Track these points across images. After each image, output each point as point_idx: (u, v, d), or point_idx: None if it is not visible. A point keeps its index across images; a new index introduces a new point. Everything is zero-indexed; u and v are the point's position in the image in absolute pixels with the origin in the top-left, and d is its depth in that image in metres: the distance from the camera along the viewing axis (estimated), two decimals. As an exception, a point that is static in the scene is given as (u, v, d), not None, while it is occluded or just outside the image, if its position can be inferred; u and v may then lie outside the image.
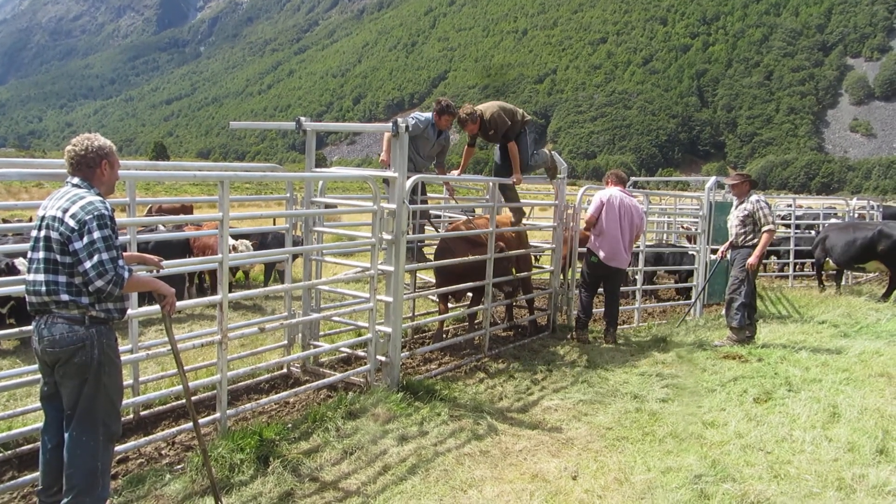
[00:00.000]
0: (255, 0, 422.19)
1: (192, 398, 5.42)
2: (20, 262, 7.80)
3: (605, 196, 7.87)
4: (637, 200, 8.32)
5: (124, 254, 3.75)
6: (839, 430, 5.17)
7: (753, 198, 8.20)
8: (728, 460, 4.64)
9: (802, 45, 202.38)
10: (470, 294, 7.90)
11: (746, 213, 8.14)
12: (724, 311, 8.55)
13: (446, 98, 7.33)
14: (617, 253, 7.77)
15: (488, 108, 7.46)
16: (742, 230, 8.18)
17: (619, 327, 9.02)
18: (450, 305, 7.72)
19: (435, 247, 7.83)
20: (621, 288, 8.40)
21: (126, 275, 3.28)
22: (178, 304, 3.78)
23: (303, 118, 6.18)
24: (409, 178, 5.86)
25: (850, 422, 5.36)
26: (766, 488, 4.19)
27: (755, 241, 8.08)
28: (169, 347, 3.85)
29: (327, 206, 6.51)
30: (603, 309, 8.37)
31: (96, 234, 3.19)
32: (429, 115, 7.23)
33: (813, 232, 15.73)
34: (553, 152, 8.43)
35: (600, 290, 8.22)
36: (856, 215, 15.94)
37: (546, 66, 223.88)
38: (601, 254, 7.80)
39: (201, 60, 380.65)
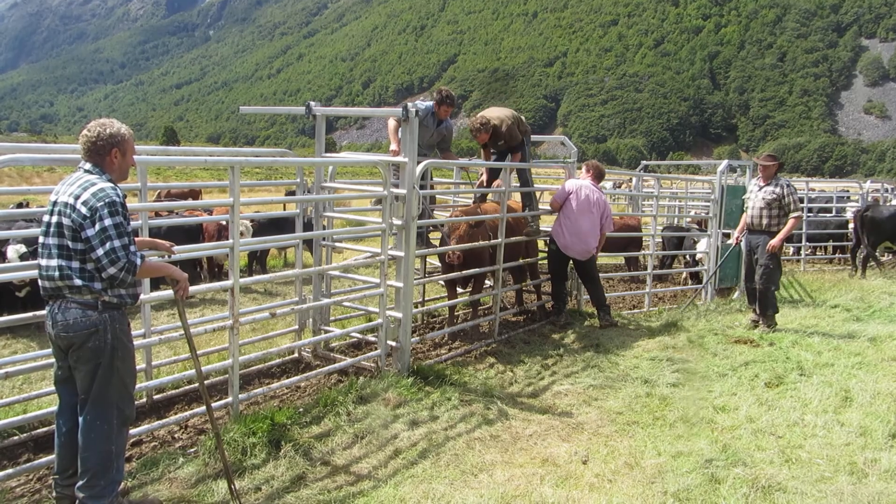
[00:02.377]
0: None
1: (205, 382, 5.47)
2: (12, 250, 7.80)
3: (574, 186, 7.78)
4: (648, 186, 8.25)
5: (136, 239, 3.77)
6: (851, 415, 5.15)
7: (783, 181, 7.96)
8: (739, 445, 4.63)
9: (816, 25, 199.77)
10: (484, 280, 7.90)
11: (775, 196, 7.88)
12: (754, 301, 8.32)
13: (447, 88, 7.29)
14: (574, 244, 7.71)
15: (502, 118, 7.35)
16: (768, 213, 7.94)
17: (630, 311, 9.01)
18: (459, 291, 7.71)
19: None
20: (630, 272, 8.34)
21: (138, 261, 3.29)
22: (191, 288, 3.80)
23: (312, 102, 6.15)
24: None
25: (863, 406, 5.33)
26: (778, 473, 4.18)
27: (780, 226, 7.94)
28: (182, 332, 3.87)
29: (337, 191, 6.50)
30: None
31: (108, 222, 3.20)
32: (429, 103, 7.18)
33: (828, 216, 15.64)
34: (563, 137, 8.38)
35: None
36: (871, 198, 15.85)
37: (556, 49, 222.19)
38: (559, 242, 7.78)
39: (211, 44, 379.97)
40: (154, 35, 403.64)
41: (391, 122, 6.77)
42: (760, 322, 8.08)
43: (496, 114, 7.42)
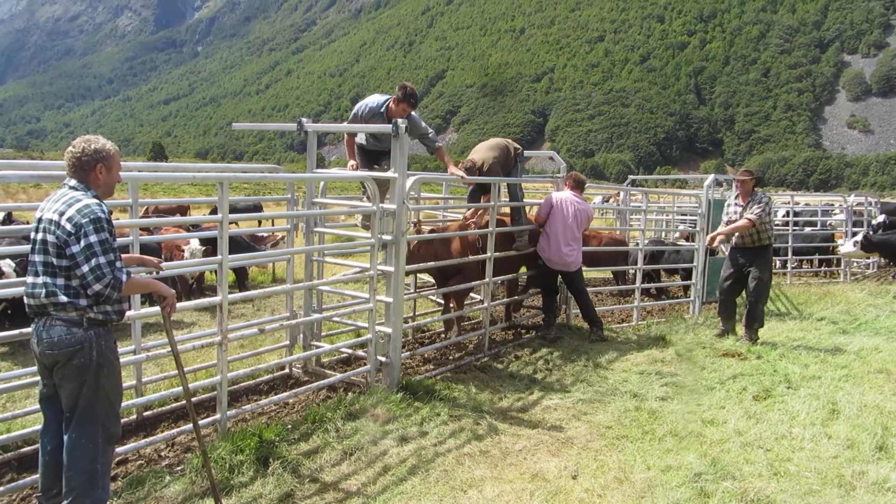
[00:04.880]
0: (252, 0, 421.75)
1: (192, 399, 5.43)
2: (5, 264, 7.73)
3: (557, 198, 7.79)
4: (635, 201, 8.29)
5: (124, 256, 3.75)
6: (839, 427, 5.18)
7: (759, 196, 8.04)
8: (728, 458, 4.64)
9: (799, 41, 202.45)
10: (474, 295, 7.89)
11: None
12: (725, 311, 8.44)
13: (411, 85, 6.54)
14: (560, 257, 7.71)
15: (485, 159, 7.23)
16: (756, 229, 7.99)
17: (619, 325, 9.02)
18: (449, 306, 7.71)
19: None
20: (619, 286, 8.35)
21: (124, 277, 3.27)
22: (178, 305, 3.78)
23: (304, 119, 6.17)
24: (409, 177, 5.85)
25: (850, 418, 5.36)
26: (766, 486, 4.19)
27: (765, 240, 8.02)
28: (169, 349, 3.84)
29: (327, 207, 6.50)
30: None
31: (93, 238, 3.19)
32: (383, 98, 6.56)
33: (808, 229, 15.77)
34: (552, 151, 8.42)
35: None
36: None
37: (544, 64, 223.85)
38: (544, 255, 7.80)
39: (199, 60, 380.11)
40: (142, 51, 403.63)
41: (347, 137, 6.67)
42: (743, 335, 8.13)
43: (481, 155, 7.29)
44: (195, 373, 5.73)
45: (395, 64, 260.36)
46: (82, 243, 3.18)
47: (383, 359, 5.86)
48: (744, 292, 8.26)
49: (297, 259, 6.55)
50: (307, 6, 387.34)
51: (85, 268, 3.18)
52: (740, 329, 8.37)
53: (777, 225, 17.10)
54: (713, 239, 8.40)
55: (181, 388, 3.92)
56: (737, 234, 8.18)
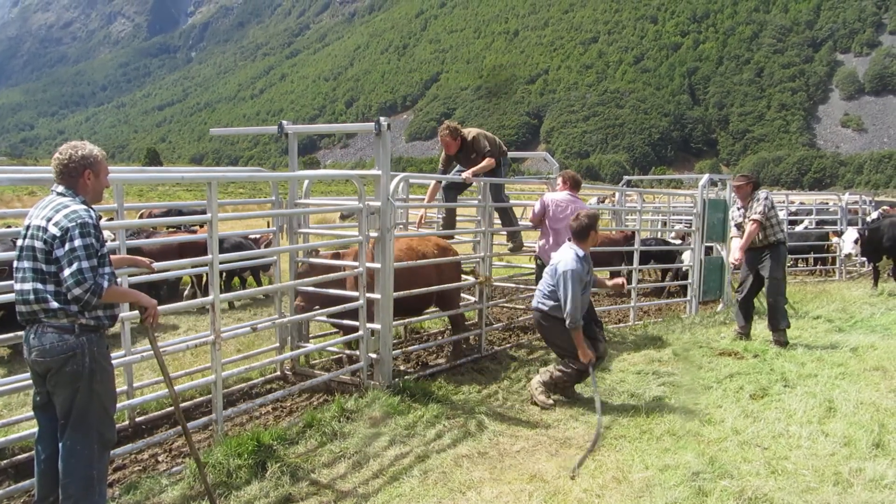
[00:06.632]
0: (245, 4, 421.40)
1: (187, 402, 5.42)
2: None
3: (550, 199, 7.52)
4: (631, 201, 8.23)
5: (115, 257, 3.73)
6: (835, 425, 5.18)
7: (758, 195, 7.96)
8: (725, 457, 4.64)
9: (792, 41, 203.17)
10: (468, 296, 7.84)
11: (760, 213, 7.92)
12: (741, 312, 8.33)
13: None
14: None
15: (471, 131, 7.31)
16: (761, 229, 7.92)
17: (616, 325, 9.03)
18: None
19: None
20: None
21: (105, 284, 3.24)
22: (171, 306, 3.76)
23: (285, 122, 6.19)
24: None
25: (846, 416, 5.37)
26: (764, 484, 4.18)
27: (776, 237, 7.93)
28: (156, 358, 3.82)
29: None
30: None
31: (77, 242, 3.17)
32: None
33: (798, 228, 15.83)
34: (545, 153, 8.44)
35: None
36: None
37: (538, 66, 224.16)
38: (546, 259, 7.69)
39: (193, 66, 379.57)
40: (136, 57, 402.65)
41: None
42: (772, 339, 7.95)
43: (473, 132, 7.34)
44: (191, 375, 5.71)
45: (389, 67, 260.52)
46: (66, 247, 3.16)
47: (374, 356, 5.85)
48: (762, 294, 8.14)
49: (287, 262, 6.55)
50: (301, 10, 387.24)
51: (67, 271, 3.16)
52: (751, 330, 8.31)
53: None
54: (739, 258, 8.23)
55: (177, 390, 3.89)
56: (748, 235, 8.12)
